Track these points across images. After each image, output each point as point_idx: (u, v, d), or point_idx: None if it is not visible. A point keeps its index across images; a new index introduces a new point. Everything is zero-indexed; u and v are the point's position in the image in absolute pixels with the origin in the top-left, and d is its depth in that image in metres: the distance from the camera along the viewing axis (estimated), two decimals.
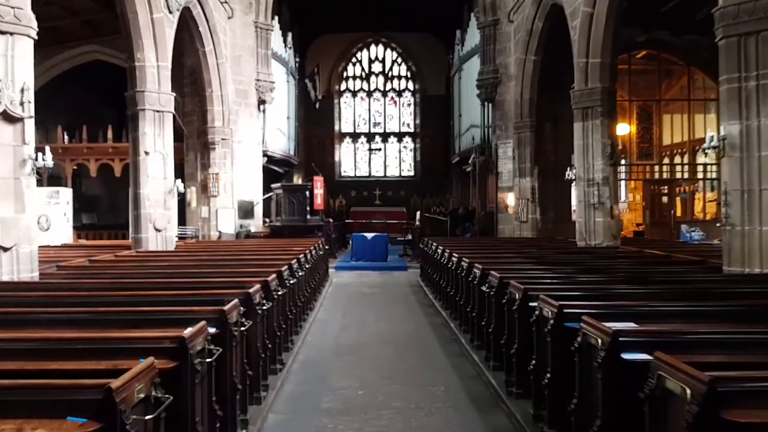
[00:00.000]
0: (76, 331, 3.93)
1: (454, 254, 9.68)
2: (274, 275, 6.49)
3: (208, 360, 3.62)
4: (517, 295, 5.44)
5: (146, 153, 11.31)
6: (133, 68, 11.42)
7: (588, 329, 3.78)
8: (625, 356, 3.42)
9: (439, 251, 11.46)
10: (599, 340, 3.56)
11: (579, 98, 12.37)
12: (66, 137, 18.77)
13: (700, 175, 20.03)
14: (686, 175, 20.16)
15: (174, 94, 11.91)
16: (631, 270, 7.64)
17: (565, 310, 4.38)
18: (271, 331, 6.10)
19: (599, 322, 3.74)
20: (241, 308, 4.83)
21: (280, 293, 6.48)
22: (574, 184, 12.94)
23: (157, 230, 11.32)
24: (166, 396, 2.86)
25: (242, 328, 4.60)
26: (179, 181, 11.96)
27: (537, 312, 4.80)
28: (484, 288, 6.72)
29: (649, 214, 19.77)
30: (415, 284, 14.36)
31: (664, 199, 20.26)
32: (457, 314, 9.18)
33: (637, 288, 5.78)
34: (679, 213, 20.10)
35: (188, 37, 15.75)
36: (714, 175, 19.57)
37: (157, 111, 11.49)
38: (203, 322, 3.76)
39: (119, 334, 3.67)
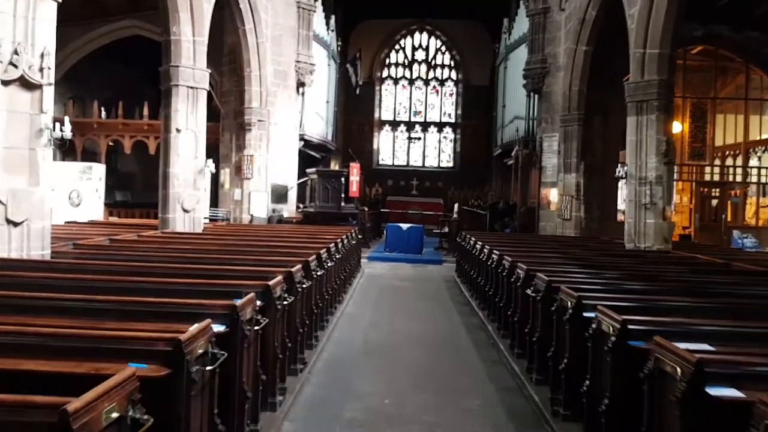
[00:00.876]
0: (64, 323, 3.46)
1: (495, 251, 9.05)
2: (299, 266, 5.96)
3: (209, 368, 3.09)
4: (569, 304, 4.81)
5: (178, 130, 10.90)
6: (169, 42, 11.01)
7: (662, 353, 3.16)
8: (711, 391, 2.80)
9: (478, 246, 10.83)
10: (678, 369, 2.94)
11: (634, 91, 11.58)
12: (104, 113, 18.57)
13: (753, 179, 18.99)
14: (738, 178, 19.10)
15: (209, 71, 11.48)
16: (690, 279, 6.91)
17: (630, 327, 3.76)
18: (292, 328, 5.57)
19: (676, 347, 3.12)
20: (258, 303, 4.33)
21: (305, 286, 5.95)
22: (624, 182, 12.19)
23: (185, 211, 10.92)
24: (146, 418, 2.33)
25: (257, 327, 4.07)
26: (210, 161, 11.55)
27: (594, 325, 4.18)
28: (528, 291, 6.09)
29: (698, 217, 18.76)
30: (450, 279, 13.76)
31: (713, 202, 19.23)
32: (495, 316, 8.57)
33: (702, 302, 5.10)
34: (729, 218, 19.07)
35: (228, 15, 15.34)
36: None
37: (191, 87, 11.06)
38: (207, 321, 3.24)
39: (109, 331, 3.15)
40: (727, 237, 17.83)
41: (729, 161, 19.31)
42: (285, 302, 4.95)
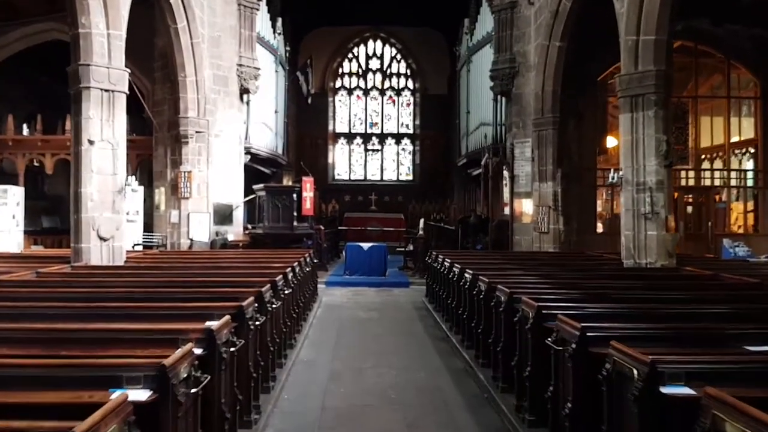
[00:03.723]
0: None
1: (481, 277, 7.37)
2: (227, 318, 4.17)
3: None
4: (636, 373, 3.12)
5: (90, 142, 9.02)
6: (77, 36, 9.15)
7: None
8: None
9: (455, 270, 9.16)
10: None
11: (627, 84, 10.13)
12: (26, 129, 16.43)
13: (734, 183, 17.88)
14: (723, 182, 17.91)
15: (128, 71, 9.58)
16: (742, 311, 5.27)
17: None
18: (215, 413, 3.75)
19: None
20: (146, 397, 2.54)
21: (235, 349, 4.15)
22: (619, 189, 10.68)
23: (102, 239, 8.98)
24: None
25: None
26: (133, 178, 9.67)
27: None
28: (550, 341, 4.39)
29: (682, 226, 17.45)
30: (420, 306, 12.04)
31: (689, 208, 17.93)
32: (486, 358, 6.86)
33: None
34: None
35: (159, 14, 13.47)
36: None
37: (107, 90, 9.21)
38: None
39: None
40: (715, 246, 16.58)
41: (711, 164, 18.12)
42: (194, 389, 3.14)
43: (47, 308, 4.76)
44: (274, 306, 5.93)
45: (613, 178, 10.45)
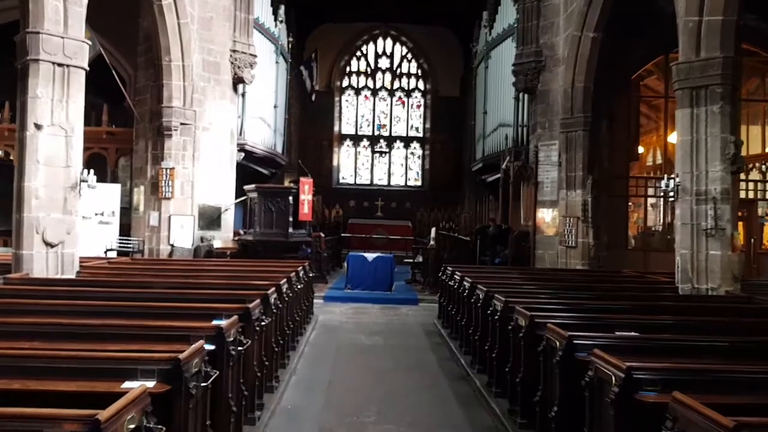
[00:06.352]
0: None
1: (519, 308, 5.66)
2: (140, 389, 2.51)
3: None
4: None
5: (37, 127, 7.39)
6: None
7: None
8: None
9: (479, 294, 7.45)
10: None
11: (686, 74, 8.47)
12: None
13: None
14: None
15: (89, 42, 7.98)
16: None
17: None
18: None
19: None
20: None
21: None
22: (672, 199, 8.97)
23: (49, 245, 7.34)
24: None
25: None
26: (91, 172, 7.96)
27: None
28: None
29: None
30: (431, 329, 10.36)
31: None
32: (527, 417, 5.16)
33: None
34: (742, 241, 16.16)
35: None
36: None
37: (60, 64, 7.58)
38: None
39: None
40: (758, 266, 14.91)
41: (754, 175, 16.44)
42: None
43: None
44: (241, 348, 4.25)
45: (667, 186, 8.75)
